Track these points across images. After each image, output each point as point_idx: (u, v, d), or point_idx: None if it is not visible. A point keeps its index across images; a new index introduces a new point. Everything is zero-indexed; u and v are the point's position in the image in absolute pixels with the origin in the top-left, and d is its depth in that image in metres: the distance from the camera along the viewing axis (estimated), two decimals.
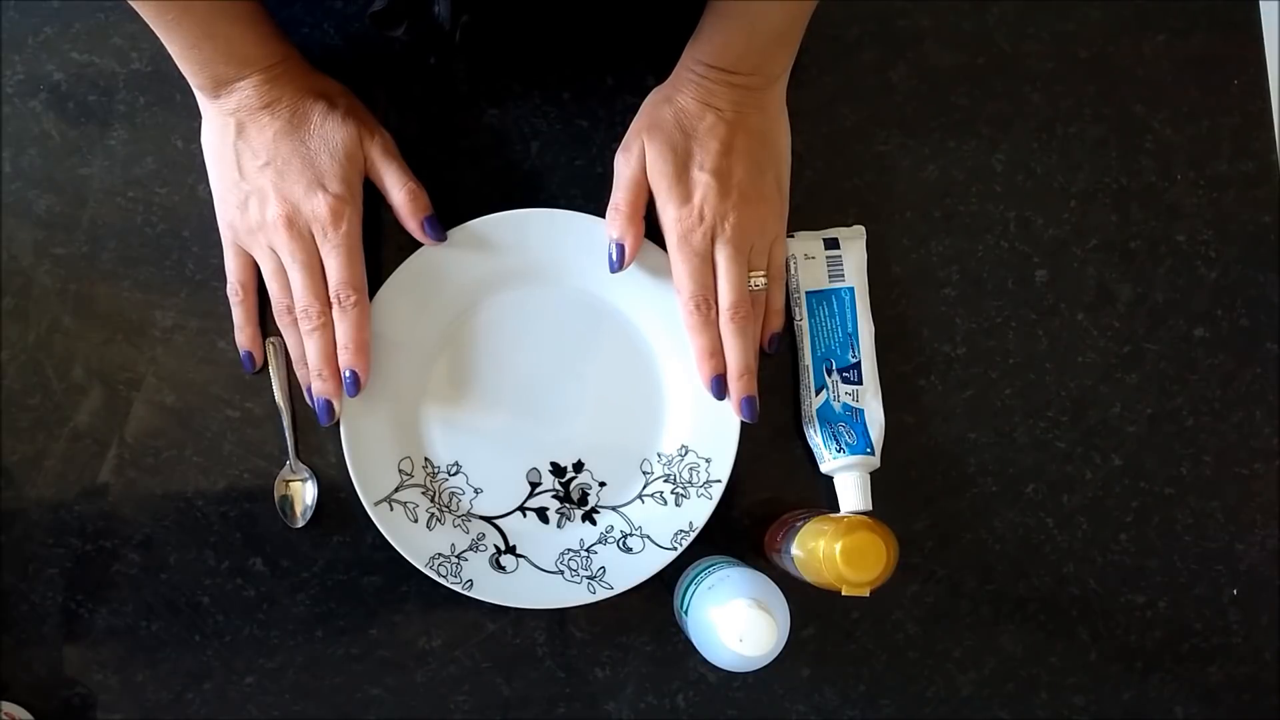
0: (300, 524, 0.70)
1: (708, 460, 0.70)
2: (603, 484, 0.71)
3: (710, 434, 0.70)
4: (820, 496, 0.72)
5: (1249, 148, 0.75)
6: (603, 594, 0.69)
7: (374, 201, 0.68)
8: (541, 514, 0.71)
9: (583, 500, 0.71)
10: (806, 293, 0.72)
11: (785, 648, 0.61)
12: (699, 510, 0.70)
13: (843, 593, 0.60)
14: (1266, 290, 0.74)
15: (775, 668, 0.62)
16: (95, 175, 0.71)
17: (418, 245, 0.69)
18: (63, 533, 0.70)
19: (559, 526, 0.71)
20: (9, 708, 0.68)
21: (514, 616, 0.71)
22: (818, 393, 0.71)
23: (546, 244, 0.70)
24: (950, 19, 0.74)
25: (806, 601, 0.69)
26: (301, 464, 0.71)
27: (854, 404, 0.71)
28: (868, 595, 0.60)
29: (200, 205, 0.71)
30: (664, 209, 0.67)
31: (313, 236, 0.65)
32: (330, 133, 0.66)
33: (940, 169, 0.74)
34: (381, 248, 0.71)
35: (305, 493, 0.70)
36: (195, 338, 0.71)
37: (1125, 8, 0.75)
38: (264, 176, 0.65)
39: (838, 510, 0.70)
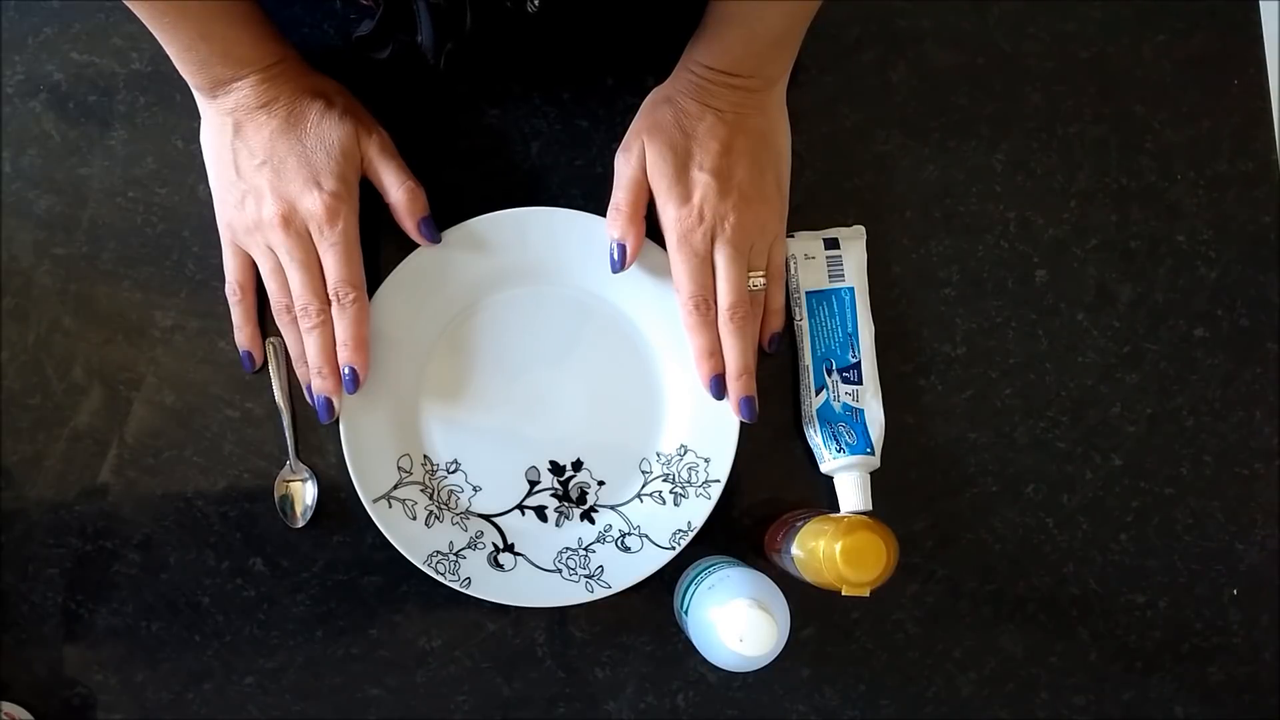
0: (300, 524, 0.70)
1: (707, 460, 0.70)
2: (601, 483, 0.71)
3: (709, 434, 0.70)
4: (820, 496, 0.72)
5: (1249, 148, 0.75)
6: (601, 593, 0.69)
7: (374, 199, 0.68)
8: (540, 512, 0.70)
9: (581, 499, 0.71)
10: (806, 293, 0.72)
11: (785, 648, 0.61)
12: (697, 510, 0.69)
13: (843, 593, 0.60)
14: (1266, 290, 0.74)
15: (775, 668, 0.62)
16: (95, 175, 0.71)
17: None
18: (63, 533, 0.70)
19: (557, 525, 0.70)
20: (9, 708, 0.68)
21: (514, 616, 0.71)
22: (818, 393, 0.71)
23: (546, 243, 0.70)
24: (950, 19, 0.74)
25: (806, 601, 0.69)
26: (301, 464, 0.71)
27: (854, 404, 0.71)
28: (868, 595, 0.60)
29: (200, 205, 0.71)
30: (664, 209, 0.67)
31: (310, 234, 0.65)
32: (327, 131, 0.66)
33: (940, 169, 0.74)
34: (381, 246, 0.71)
35: (305, 493, 0.70)
36: (195, 338, 0.71)
37: (1125, 8, 0.75)
38: (261, 175, 0.65)
39: (838, 510, 0.70)
